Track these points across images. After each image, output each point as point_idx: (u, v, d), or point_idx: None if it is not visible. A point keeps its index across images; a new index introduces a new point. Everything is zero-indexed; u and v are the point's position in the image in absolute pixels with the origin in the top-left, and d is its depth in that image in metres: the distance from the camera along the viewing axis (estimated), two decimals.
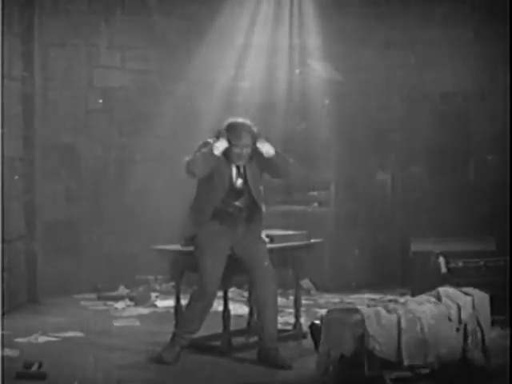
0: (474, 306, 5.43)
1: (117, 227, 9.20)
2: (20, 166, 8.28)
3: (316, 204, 9.41)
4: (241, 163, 5.98)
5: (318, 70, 9.39)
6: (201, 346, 6.32)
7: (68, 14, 8.98)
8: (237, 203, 5.99)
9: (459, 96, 9.37)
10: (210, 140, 5.99)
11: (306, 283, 8.83)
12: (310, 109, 9.43)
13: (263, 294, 5.98)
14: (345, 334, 5.05)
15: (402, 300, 5.55)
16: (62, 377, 5.62)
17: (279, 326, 6.21)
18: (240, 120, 6.02)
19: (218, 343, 6.27)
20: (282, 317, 6.87)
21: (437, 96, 9.42)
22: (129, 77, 9.41)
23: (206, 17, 9.34)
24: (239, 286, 8.45)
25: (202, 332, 6.17)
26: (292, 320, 6.82)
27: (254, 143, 5.94)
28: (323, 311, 7.67)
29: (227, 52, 9.43)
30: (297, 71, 9.56)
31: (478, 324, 5.42)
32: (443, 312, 5.31)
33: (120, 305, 8.31)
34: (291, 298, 7.38)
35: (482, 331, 5.42)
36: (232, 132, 5.92)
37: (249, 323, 6.79)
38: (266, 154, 5.93)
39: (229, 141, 5.91)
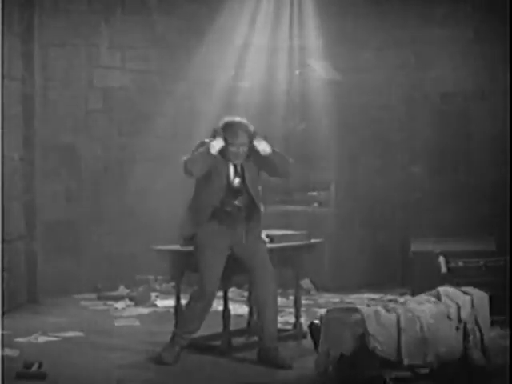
0: (473, 305, 5.43)
1: (117, 227, 9.21)
2: (20, 166, 8.28)
3: (316, 204, 9.41)
4: (238, 162, 5.98)
5: (318, 70, 9.40)
6: (201, 346, 6.31)
7: (68, 14, 8.99)
8: (235, 202, 5.99)
9: (459, 96, 9.37)
10: (207, 139, 6.00)
11: (305, 283, 8.83)
12: (310, 109, 9.44)
13: (263, 293, 5.98)
14: (344, 333, 5.05)
15: (401, 300, 5.55)
16: (62, 377, 5.62)
17: (279, 326, 6.20)
18: (236, 119, 6.03)
19: (217, 343, 6.27)
20: (282, 316, 6.88)
21: (437, 96, 9.42)
22: (129, 77, 9.42)
23: (205, 16, 9.35)
24: (239, 286, 8.45)
25: (202, 332, 6.17)
26: (292, 320, 6.82)
27: (251, 142, 5.94)
28: (323, 311, 7.70)
29: (227, 52, 9.44)
30: (297, 71, 9.57)
31: (477, 323, 5.42)
32: (442, 311, 5.31)
33: (120, 305, 8.31)
34: (291, 297, 7.39)
35: (480, 331, 5.42)
36: (228, 131, 5.93)
37: (249, 323, 6.79)
38: (262, 152, 5.93)
39: (225, 140, 5.91)
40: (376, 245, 9.27)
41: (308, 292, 8.80)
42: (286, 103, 9.56)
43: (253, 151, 5.96)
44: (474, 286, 5.74)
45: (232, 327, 6.32)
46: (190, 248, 6.10)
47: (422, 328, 5.15)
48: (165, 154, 9.39)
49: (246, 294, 7.41)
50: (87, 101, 9.22)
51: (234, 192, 5.98)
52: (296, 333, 6.66)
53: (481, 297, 5.53)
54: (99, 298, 8.67)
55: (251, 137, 5.94)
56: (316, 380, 5.34)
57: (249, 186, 6.00)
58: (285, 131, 9.43)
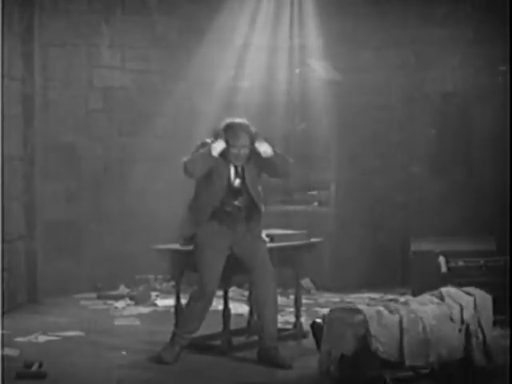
0: (476, 307, 5.41)
1: (117, 227, 9.21)
2: (20, 166, 8.28)
3: (316, 204, 9.41)
4: (239, 163, 5.98)
5: (318, 69, 9.40)
6: (201, 346, 6.31)
7: (68, 14, 8.99)
8: (235, 203, 5.99)
9: (459, 96, 9.37)
10: (208, 140, 6.00)
11: (306, 282, 8.83)
12: (310, 109, 9.44)
13: (263, 293, 5.98)
14: (346, 333, 5.04)
15: (403, 299, 5.54)
16: (62, 376, 5.62)
17: (279, 326, 6.21)
18: (238, 120, 6.02)
19: (218, 342, 6.27)
20: (282, 316, 6.88)
21: (437, 96, 9.42)
22: (129, 77, 9.42)
23: (205, 16, 9.36)
24: (239, 286, 8.46)
25: (202, 331, 6.17)
26: (292, 319, 6.82)
27: (252, 143, 5.94)
28: (323, 310, 7.71)
29: (227, 52, 9.44)
30: (297, 71, 9.57)
31: (480, 325, 5.41)
32: (445, 312, 5.29)
33: (120, 304, 8.32)
34: (291, 297, 7.40)
35: (483, 332, 5.40)
36: (229, 132, 5.93)
37: (249, 322, 6.79)
38: (263, 154, 5.93)
39: (226, 141, 5.91)
40: (376, 245, 9.27)
41: (308, 291, 8.80)
42: (286, 103, 9.56)
43: (254, 152, 5.96)
44: (474, 286, 5.74)
45: (232, 327, 6.32)
46: (190, 247, 6.11)
47: (424, 329, 5.14)
48: (165, 154, 9.39)
49: (246, 293, 7.41)
50: (87, 101, 9.22)
51: (234, 192, 5.99)
52: (296, 332, 6.66)
53: (484, 298, 5.52)
54: (99, 298, 8.67)
55: (252, 138, 5.94)
56: (316, 380, 5.34)
57: (249, 187, 6.00)
58: (285, 131, 9.43)
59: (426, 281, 7.51)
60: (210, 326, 6.26)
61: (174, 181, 9.05)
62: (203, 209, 5.97)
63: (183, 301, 6.18)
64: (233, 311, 6.42)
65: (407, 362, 5.07)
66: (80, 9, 9.10)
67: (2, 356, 5.82)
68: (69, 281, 8.77)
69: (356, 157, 9.34)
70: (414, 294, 7.58)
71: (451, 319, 5.28)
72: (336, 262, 9.10)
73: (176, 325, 6.19)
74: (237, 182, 6.00)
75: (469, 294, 5.50)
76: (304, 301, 7.29)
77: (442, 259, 7.47)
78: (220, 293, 6.13)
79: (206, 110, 9.42)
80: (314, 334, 5.61)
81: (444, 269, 7.48)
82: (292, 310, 6.91)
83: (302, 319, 6.82)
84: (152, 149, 9.42)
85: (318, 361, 5.25)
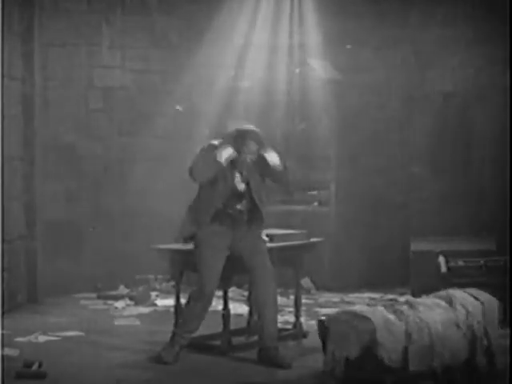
0: (483, 313, 5.36)
1: (117, 227, 9.21)
2: (20, 166, 8.28)
3: (316, 204, 9.41)
4: (245, 170, 5.97)
5: (318, 69, 9.39)
6: (200, 346, 6.32)
7: (68, 14, 8.99)
8: (238, 206, 5.99)
9: (459, 96, 9.37)
10: (215, 142, 5.97)
11: (306, 282, 8.83)
12: (310, 108, 9.43)
13: (263, 293, 5.98)
14: (352, 338, 4.97)
15: (412, 301, 5.40)
16: (62, 376, 5.63)
17: (279, 326, 6.21)
18: (247, 127, 5.99)
19: (217, 342, 6.27)
20: (282, 316, 6.88)
21: (437, 96, 9.42)
22: (129, 77, 9.42)
23: (205, 16, 9.35)
24: (239, 286, 8.46)
25: (202, 331, 6.18)
26: (292, 319, 6.82)
27: (260, 151, 5.92)
28: (323, 310, 7.72)
29: (227, 51, 9.44)
30: (296, 71, 9.56)
31: (486, 331, 5.35)
32: (451, 318, 5.23)
33: (120, 304, 8.31)
34: (291, 297, 7.39)
35: (488, 338, 5.34)
36: (239, 139, 5.90)
37: (249, 322, 6.79)
38: (271, 165, 5.92)
39: (235, 147, 5.88)
40: (376, 245, 9.26)
41: (308, 291, 8.80)
42: (286, 103, 9.55)
43: (261, 159, 5.94)
44: (474, 286, 5.73)
45: (232, 327, 6.32)
46: (190, 247, 6.11)
47: (430, 335, 5.07)
48: (165, 154, 9.40)
49: (245, 293, 7.41)
50: (87, 101, 9.22)
51: (237, 196, 5.98)
52: (296, 332, 6.66)
53: (491, 303, 5.44)
54: (99, 298, 8.67)
55: (261, 146, 5.92)
56: (316, 379, 5.33)
57: (253, 192, 5.99)
58: (285, 131, 9.42)
59: (425, 281, 7.52)
60: (209, 326, 6.27)
61: (174, 181, 9.08)
62: (205, 210, 5.96)
63: (183, 301, 6.18)
64: (232, 311, 6.43)
65: (411, 368, 5.03)
66: (80, 9, 9.10)
67: (2, 356, 5.82)
68: (69, 281, 8.77)
69: (356, 157, 9.33)
70: (414, 294, 7.59)
71: (457, 325, 5.23)
72: (336, 261, 9.10)
73: (176, 325, 6.19)
74: (241, 185, 5.99)
75: (477, 298, 5.43)
76: (304, 301, 7.29)
77: (441, 259, 7.47)
78: (220, 293, 6.13)
79: (206, 110, 9.42)
80: (320, 333, 5.52)
81: (444, 269, 7.48)
82: (292, 309, 6.90)
83: (302, 319, 6.82)
84: (152, 149, 9.42)
85: (324, 360, 5.21)
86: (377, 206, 9.37)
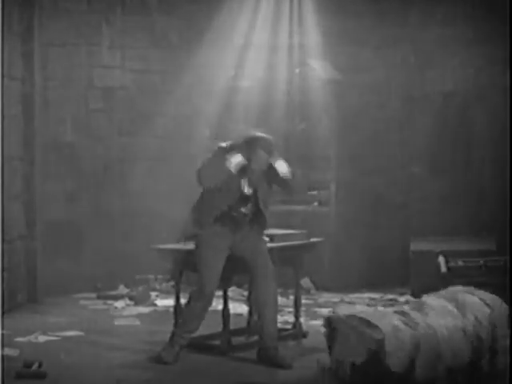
0: (492, 319, 5.26)
1: (117, 227, 9.21)
2: (20, 166, 8.28)
3: (316, 204, 9.41)
4: (253, 177, 5.96)
5: (318, 69, 9.39)
6: (200, 346, 6.31)
7: (68, 14, 8.99)
8: (243, 210, 5.99)
9: (459, 96, 9.37)
10: (224, 145, 5.93)
11: (305, 282, 8.83)
12: (310, 108, 9.43)
13: (264, 293, 5.99)
14: (358, 345, 4.89)
15: (421, 303, 5.30)
16: (61, 376, 5.63)
17: (279, 326, 6.20)
18: (259, 135, 5.95)
19: (217, 342, 6.27)
20: (281, 316, 6.88)
21: (437, 96, 9.42)
22: (129, 77, 9.42)
23: (205, 16, 9.35)
24: (239, 286, 8.46)
25: (202, 331, 6.17)
26: (292, 319, 6.82)
27: (269, 158, 5.90)
28: (323, 310, 7.72)
29: (227, 51, 9.44)
30: (296, 70, 9.56)
31: (494, 337, 5.30)
32: (459, 325, 5.14)
33: (120, 304, 8.31)
34: (291, 297, 7.39)
35: (495, 344, 5.29)
36: (249, 146, 5.86)
37: (248, 322, 6.79)
38: (281, 175, 5.91)
39: (244, 154, 5.84)
40: (376, 245, 9.26)
41: (308, 291, 8.80)
42: (286, 103, 9.55)
43: (270, 168, 5.92)
44: (474, 286, 5.71)
45: (232, 326, 6.31)
46: (190, 247, 6.11)
47: (437, 343, 5.00)
48: (165, 154, 9.40)
49: (245, 293, 7.41)
50: (87, 101, 9.22)
51: (243, 200, 5.97)
52: (296, 332, 6.66)
53: (501, 308, 5.36)
54: (99, 298, 8.67)
55: (271, 155, 5.90)
56: (316, 379, 5.33)
57: (259, 197, 5.99)
58: (285, 131, 9.42)
59: (425, 281, 7.54)
60: (209, 326, 6.26)
61: (174, 181, 9.09)
62: (209, 211, 5.95)
63: (183, 301, 6.18)
64: (232, 311, 6.43)
65: (418, 375, 4.98)
66: (80, 9, 9.10)
67: (2, 356, 5.81)
68: (69, 281, 8.77)
69: (356, 157, 9.33)
70: (414, 294, 7.60)
71: (464, 332, 5.13)
72: (336, 261, 9.10)
73: (175, 325, 6.19)
74: (248, 190, 5.98)
75: (487, 304, 5.33)
76: (304, 301, 7.28)
77: (441, 259, 7.49)
78: (219, 293, 6.13)
79: (206, 110, 9.42)
80: (327, 332, 5.42)
81: (444, 269, 7.49)
82: (292, 309, 6.90)
83: (302, 319, 6.82)
84: (152, 149, 9.42)
85: (330, 361, 5.16)
86: (377, 205, 9.37)
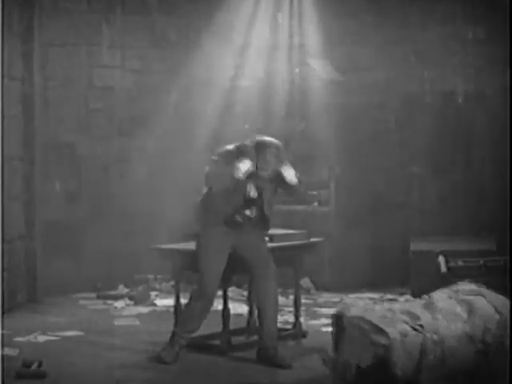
0: (499, 325, 5.20)
1: (117, 227, 9.20)
2: (20, 166, 8.28)
3: (316, 204, 9.40)
4: (260, 182, 5.95)
5: (318, 69, 9.38)
6: (200, 345, 6.31)
7: (68, 14, 8.99)
8: (247, 212, 5.99)
9: (459, 96, 9.36)
10: (230, 147, 5.91)
11: (305, 282, 8.83)
12: (310, 108, 9.43)
13: (264, 292, 5.99)
14: (365, 348, 4.86)
15: (431, 301, 5.21)
16: (61, 376, 5.63)
17: (279, 325, 6.20)
18: (268, 140, 5.92)
19: (217, 342, 6.27)
20: (281, 316, 6.87)
21: (437, 96, 9.41)
22: (129, 76, 9.42)
23: (205, 16, 9.35)
24: (239, 286, 8.45)
25: (202, 331, 6.17)
26: (292, 319, 6.82)
27: (277, 165, 5.89)
28: (323, 310, 7.72)
29: (227, 51, 9.44)
30: (296, 70, 9.56)
31: (502, 344, 5.24)
32: (467, 332, 5.08)
33: (119, 304, 8.31)
34: (291, 297, 7.38)
35: (503, 351, 5.18)
36: (258, 151, 5.84)
37: (248, 322, 6.79)
38: (288, 181, 5.90)
39: (252, 159, 5.82)
40: (376, 245, 9.26)
41: (308, 291, 8.80)
42: (286, 103, 9.55)
43: (277, 174, 5.91)
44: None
45: (231, 326, 6.32)
46: (190, 247, 6.11)
47: (443, 351, 4.95)
48: (165, 154, 9.39)
49: (245, 293, 7.41)
50: (87, 100, 9.22)
51: (248, 203, 5.97)
52: (296, 332, 6.66)
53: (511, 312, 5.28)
54: (99, 298, 8.66)
55: (279, 161, 5.88)
56: (316, 379, 5.33)
57: (264, 201, 5.98)
58: (285, 131, 9.41)
59: (425, 281, 7.52)
60: (209, 326, 6.26)
61: (174, 181, 9.08)
62: (213, 212, 5.94)
63: (183, 301, 6.18)
64: (232, 311, 6.42)
65: (423, 381, 4.95)
66: (80, 8, 9.10)
67: (2, 356, 5.81)
68: (68, 281, 8.77)
69: (356, 157, 9.33)
70: (414, 294, 7.59)
71: (471, 338, 5.08)
72: (336, 262, 9.10)
73: (176, 324, 6.19)
74: (253, 193, 5.98)
75: (497, 310, 5.24)
76: (303, 301, 7.29)
77: (441, 259, 7.48)
78: (219, 293, 6.12)
79: (205, 109, 9.42)
80: (334, 328, 5.33)
81: (444, 269, 7.48)
82: (291, 309, 6.90)
83: (302, 319, 6.82)
84: (152, 149, 9.42)
85: (333, 357, 5.13)
86: (377, 206, 9.37)
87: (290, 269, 6.65)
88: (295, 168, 6.06)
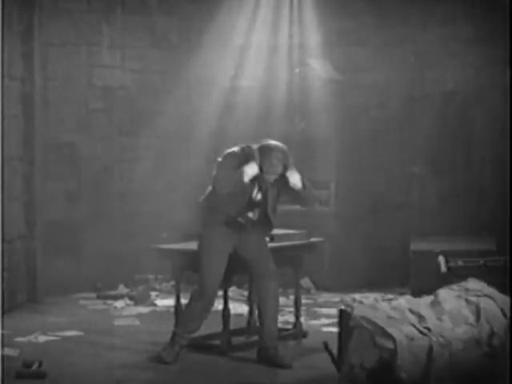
0: (507, 328, 5.17)
1: (117, 227, 9.20)
2: (20, 166, 8.28)
3: (316, 203, 9.39)
4: (265, 185, 5.95)
5: (318, 69, 9.39)
6: (200, 345, 6.31)
7: (68, 14, 8.99)
8: (250, 215, 5.99)
9: (459, 96, 9.36)
10: (236, 149, 5.90)
11: (305, 282, 8.83)
12: (310, 108, 9.43)
13: (264, 292, 5.98)
14: (371, 350, 4.86)
15: (438, 301, 5.21)
16: (61, 376, 5.62)
17: (279, 325, 6.20)
18: (274, 144, 5.89)
19: (217, 342, 6.27)
20: (281, 316, 6.87)
21: (437, 96, 9.41)
22: (129, 76, 9.42)
23: (205, 16, 9.35)
24: (239, 286, 8.46)
25: (202, 331, 6.17)
26: (292, 319, 6.82)
27: (283, 169, 5.89)
28: (323, 310, 7.72)
29: (227, 51, 9.44)
30: (296, 70, 9.56)
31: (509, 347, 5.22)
32: (474, 336, 5.07)
33: (120, 304, 8.31)
34: (291, 297, 7.39)
35: (505, 353, 5.12)
36: (266, 160, 5.80)
37: (248, 322, 6.79)
38: (292, 185, 5.89)
39: (258, 163, 5.80)
40: (376, 245, 9.26)
41: (308, 291, 8.81)
42: (286, 103, 9.55)
43: (283, 179, 5.91)
44: None
45: (232, 326, 6.32)
46: (190, 247, 6.11)
47: (450, 355, 4.94)
48: (165, 154, 9.40)
49: (245, 293, 7.41)
50: (87, 100, 9.22)
51: (251, 205, 5.97)
52: (296, 332, 6.66)
53: None
54: (99, 298, 8.66)
55: (285, 165, 5.88)
56: (316, 379, 5.33)
57: (268, 204, 5.98)
58: (285, 131, 9.40)
59: (425, 281, 7.52)
60: (209, 326, 6.26)
61: (174, 181, 9.09)
62: (216, 213, 5.93)
63: (183, 301, 6.18)
64: (232, 311, 6.42)
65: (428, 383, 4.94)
66: (80, 8, 9.10)
67: (2, 356, 5.81)
68: (68, 281, 8.77)
69: (356, 157, 9.33)
70: (414, 294, 7.58)
71: (478, 343, 5.06)
72: (336, 261, 9.10)
73: (176, 324, 6.19)
74: (258, 197, 5.97)
75: (504, 314, 5.21)
76: (304, 301, 7.28)
77: (441, 259, 7.48)
78: (220, 293, 6.12)
79: (206, 109, 9.42)
80: (341, 325, 5.30)
81: (444, 268, 7.48)
82: (292, 309, 6.90)
83: (302, 319, 6.82)
84: (152, 149, 9.42)
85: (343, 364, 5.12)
86: (377, 206, 9.37)
87: (290, 269, 6.66)
88: (299, 171, 6.05)
